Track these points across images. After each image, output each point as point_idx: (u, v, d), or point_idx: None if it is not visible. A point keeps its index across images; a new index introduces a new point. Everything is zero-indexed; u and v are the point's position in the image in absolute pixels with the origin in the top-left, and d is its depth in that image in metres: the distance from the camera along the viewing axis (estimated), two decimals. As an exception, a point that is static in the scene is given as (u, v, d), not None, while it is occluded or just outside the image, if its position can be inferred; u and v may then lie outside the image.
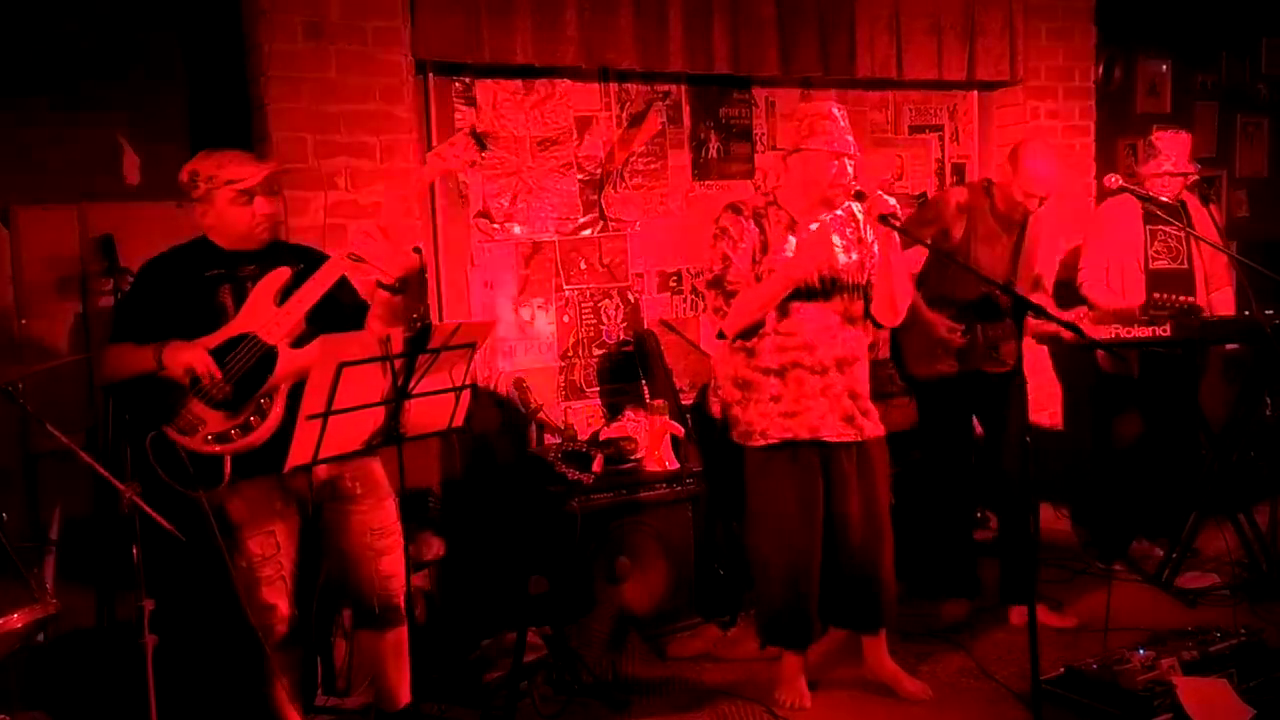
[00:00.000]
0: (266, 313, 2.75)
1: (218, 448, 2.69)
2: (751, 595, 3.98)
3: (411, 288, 2.73)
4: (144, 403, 2.71)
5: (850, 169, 3.14)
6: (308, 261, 2.87)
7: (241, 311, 2.76)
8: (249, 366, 2.71)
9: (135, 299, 2.83)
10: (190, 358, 2.65)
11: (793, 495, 3.21)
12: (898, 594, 3.40)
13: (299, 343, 2.75)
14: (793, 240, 3.17)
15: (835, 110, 3.14)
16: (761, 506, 3.29)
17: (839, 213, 3.23)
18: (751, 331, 3.19)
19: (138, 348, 2.72)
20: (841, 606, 3.34)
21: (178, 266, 2.81)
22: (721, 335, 3.25)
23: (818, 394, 3.17)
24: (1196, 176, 4.33)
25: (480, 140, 2.86)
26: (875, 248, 3.22)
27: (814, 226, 3.17)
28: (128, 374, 2.75)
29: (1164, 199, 4.18)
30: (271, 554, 2.79)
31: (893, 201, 3.04)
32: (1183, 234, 4.23)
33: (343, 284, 2.86)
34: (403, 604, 2.95)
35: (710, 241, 3.23)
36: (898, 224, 3.03)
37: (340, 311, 2.83)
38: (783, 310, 3.16)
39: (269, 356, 2.71)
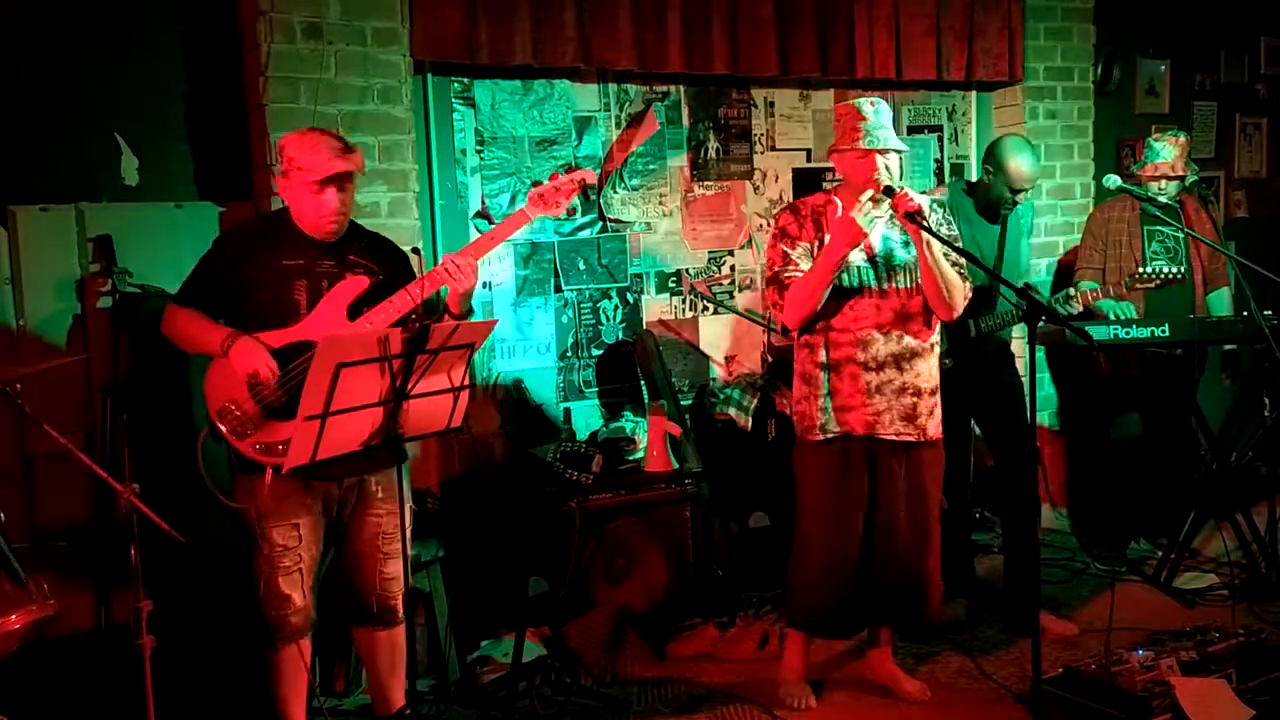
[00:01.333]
0: (336, 324, 2.75)
1: (263, 458, 2.69)
2: (750, 595, 4.00)
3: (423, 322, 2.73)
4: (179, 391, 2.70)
5: (890, 164, 3.08)
6: (385, 259, 2.90)
7: (311, 315, 2.77)
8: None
9: (211, 268, 2.83)
10: (257, 363, 2.66)
11: (838, 491, 3.18)
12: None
13: None
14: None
15: (869, 106, 3.10)
16: (809, 499, 3.26)
17: (884, 198, 3.15)
18: (811, 325, 3.18)
19: (208, 323, 2.73)
20: (884, 605, 3.30)
21: (258, 244, 2.82)
22: (785, 331, 3.28)
23: (873, 390, 3.14)
24: (1192, 178, 4.33)
25: (587, 191, 2.87)
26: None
27: (839, 212, 3.14)
28: (190, 346, 2.78)
29: (1162, 200, 4.18)
30: (293, 545, 2.80)
31: (917, 200, 2.99)
32: (1180, 234, 4.24)
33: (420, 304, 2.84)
34: (400, 608, 2.97)
35: (770, 241, 3.26)
36: (924, 222, 3.00)
37: None
38: (835, 307, 3.14)
39: None
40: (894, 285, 3.16)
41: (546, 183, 2.92)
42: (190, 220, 3.56)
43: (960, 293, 3.15)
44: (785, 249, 3.18)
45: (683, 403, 4.37)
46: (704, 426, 4.34)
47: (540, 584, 3.86)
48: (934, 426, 3.22)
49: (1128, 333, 3.98)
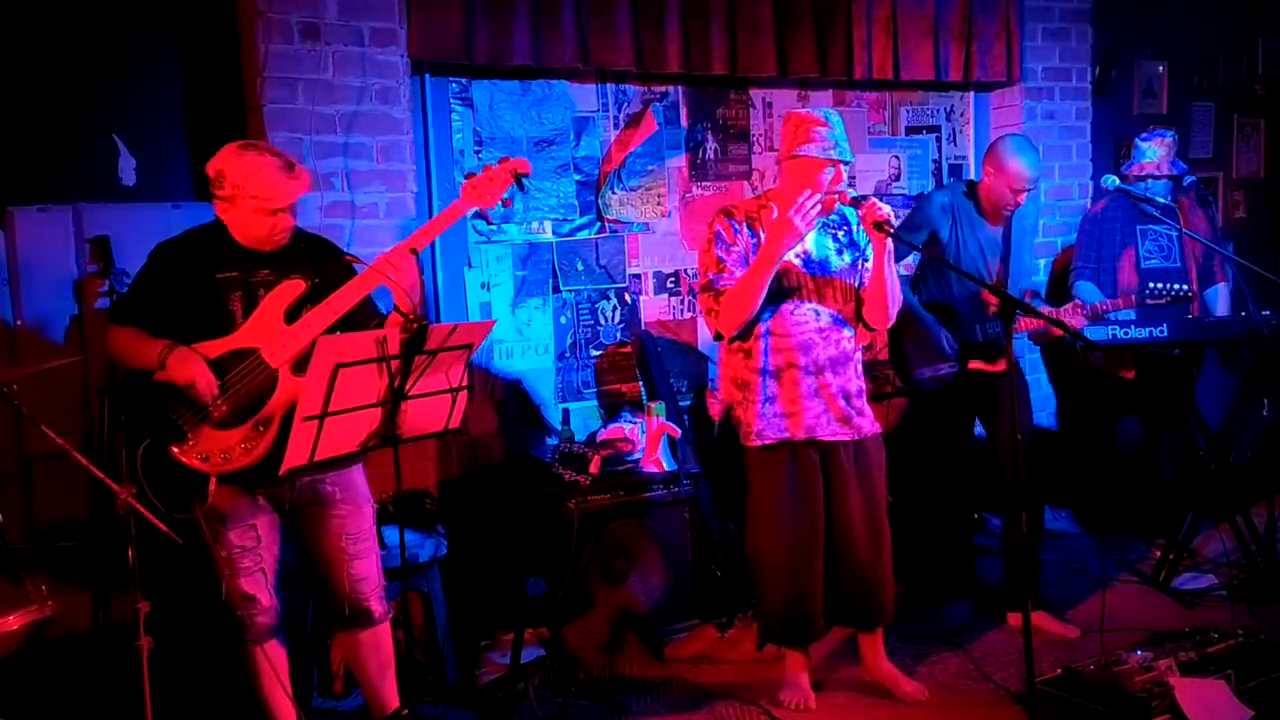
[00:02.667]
0: (274, 329, 2.70)
1: (204, 468, 2.66)
2: (749, 596, 3.99)
3: (420, 323, 2.69)
4: (146, 408, 2.70)
5: (846, 174, 3.16)
6: (325, 262, 2.85)
7: (248, 322, 2.72)
8: (250, 387, 2.68)
9: (145, 283, 2.79)
10: (194, 373, 2.63)
11: (790, 494, 3.22)
12: (897, 595, 3.40)
13: (300, 368, 2.64)
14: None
15: (831, 116, 3.15)
16: (760, 505, 3.30)
17: (833, 216, 3.25)
18: (748, 331, 3.20)
19: (147, 339, 2.70)
20: (843, 605, 3.34)
21: (191, 257, 2.76)
22: (719, 336, 3.26)
23: (812, 394, 3.20)
24: (1180, 177, 4.33)
25: (521, 181, 2.84)
26: (869, 253, 3.22)
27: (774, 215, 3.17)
28: (132, 362, 2.74)
29: (1158, 199, 4.19)
30: (251, 546, 2.79)
31: (886, 210, 3.05)
32: (1174, 232, 4.25)
33: (364, 304, 2.79)
34: (376, 608, 2.94)
35: (704, 247, 3.25)
36: (890, 230, 3.06)
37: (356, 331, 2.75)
38: (776, 313, 3.18)
39: (270, 379, 2.67)
40: (831, 291, 3.23)
41: (480, 173, 2.85)
42: (188, 221, 3.51)
43: (896, 305, 3.26)
44: (720, 254, 3.19)
45: (681, 403, 4.36)
46: (702, 427, 4.34)
47: (539, 585, 3.85)
48: (868, 423, 3.29)
49: (1126, 333, 3.98)
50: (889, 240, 3.10)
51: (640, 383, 4.34)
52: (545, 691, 3.44)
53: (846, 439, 3.25)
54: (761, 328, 3.20)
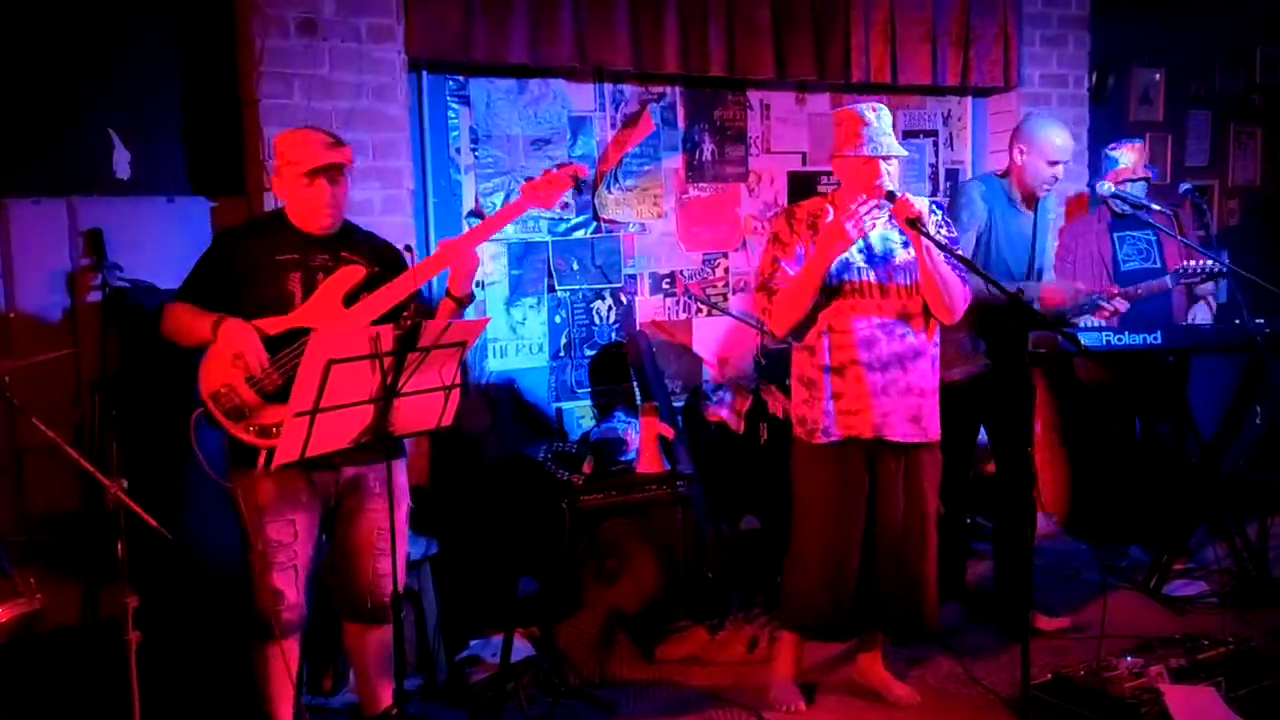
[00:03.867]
0: (332, 312, 2.77)
1: (259, 441, 2.70)
2: (740, 598, 3.99)
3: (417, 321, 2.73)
4: (177, 382, 2.71)
5: (890, 169, 3.07)
6: (379, 256, 2.91)
7: (307, 303, 2.78)
8: None
9: (207, 265, 2.85)
10: (242, 343, 2.67)
11: (838, 494, 3.17)
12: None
13: None
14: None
15: (869, 112, 3.09)
16: (807, 502, 3.24)
17: (886, 203, 3.09)
18: (802, 331, 3.16)
19: (200, 312, 2.74)
20: (880, 612, 3.28)
21: (253, 240, 2.85)
22: (772, 338, 3.32)
23: (879, 391, 3.12)
24: (1153, 180, 4.37)
25: (580, 185, 2.91)
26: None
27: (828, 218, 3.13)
28: (184, 338, 2.78)
29: (1155, 206, 4.20)
30: (288, 542, 2.79)
31: (919, 206, 2.98)
32: (1154, 236, 4.29)
33: (413, 294, 2.85)
34: (389, 605, 2.94)
35: (764, 248, 3.24)
36: (924, 227, 2.98)
37: None
38: (839, 307, 3.12)
39: None
40: (895, 284, 3.15)
41: (539, 176, 2.93)
42: (182, 215, 3.55)
43: (960, 296, 3.14)
44: (776, 255, 3.16)
45: (675, 404, 4.36)
46: (696, 428, 4.34)
47: (530, 584, 3.85)
48: (935, 428, 3.21)
49: (1120, 339, 3.98)
50: (924, 238, 3.00)
51: (634, 383, 4.34)
52: (535, 691, 3.44)
53: (916, 440, 3.16)
54: (823, 324, 3.15)
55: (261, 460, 2.69)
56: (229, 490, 2.73)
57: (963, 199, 3.73)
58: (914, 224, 2.96)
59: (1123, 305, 3.93)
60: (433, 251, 2.90)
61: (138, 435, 3.27)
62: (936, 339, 3.23)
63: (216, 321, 2.70)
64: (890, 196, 3.01)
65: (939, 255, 3.05)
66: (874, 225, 3.07)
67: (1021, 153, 3.67)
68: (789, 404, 3.42)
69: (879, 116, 3.09)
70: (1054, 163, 3.64)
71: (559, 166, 2.93)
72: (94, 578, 3.24)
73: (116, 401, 3.24)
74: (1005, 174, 3.79)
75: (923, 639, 3.39)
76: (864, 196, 3.00)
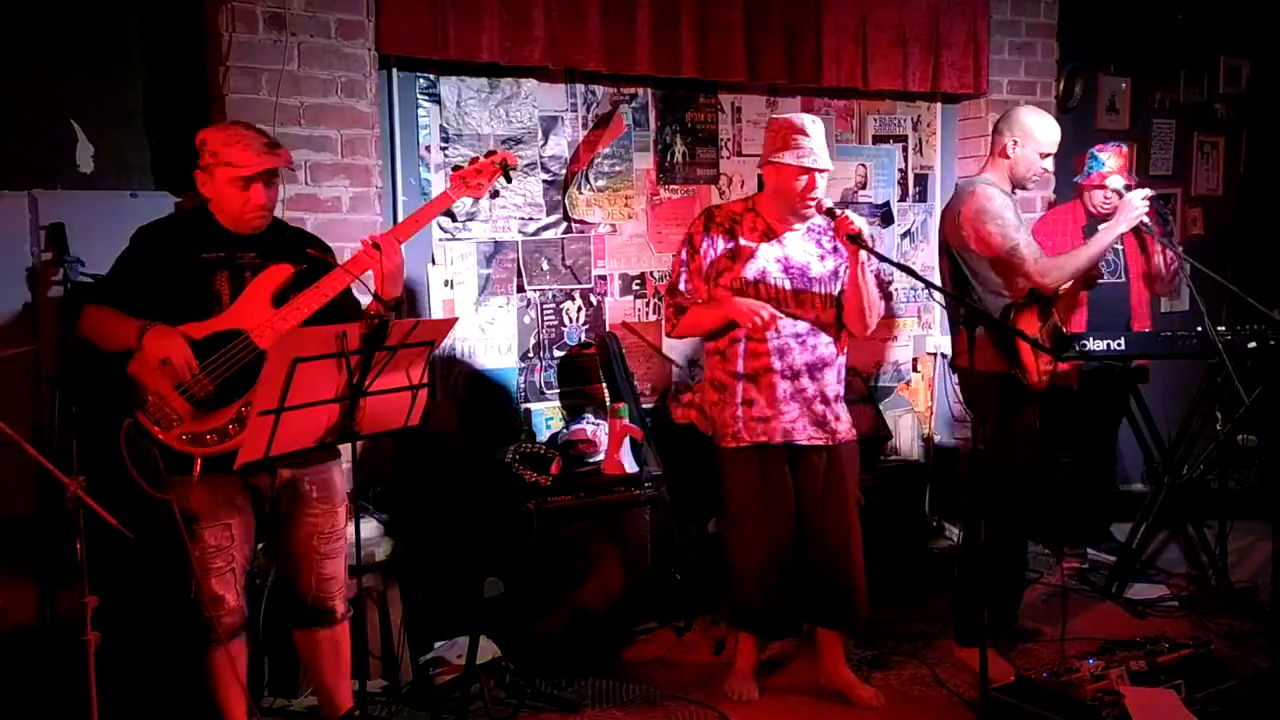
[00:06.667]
0: (261, 312, 2.70)
1: (191, 449, 2.63)
2: (707, 599, 3.99)
3: (386, 317, 2.69)
4: (113, 387, 2.66)
5: (822, 182, 3.15)
6: (309, 253, 2.84)
7: (235, 304, 2.71)
8: (236, 369, 2.65)
9: (127, 265, 2.76)
10: (169, 348, 2.59)
11: (763, 494, 3.28)
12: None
13: None
14: (765, 248, 3.25)
15: (808, 123, 3.16)
16: (734, 504, 3.37)
17: (817, 221, 3.26)
18: (722, 332, 3.29)
19: (124, 318, 2.66)
20: (817, 605, 3.39)
21: (176, 238, 2.76)
22: (669, 335, 3.45)
23: (789, 398, 3.24)
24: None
25: (508, 173, 2.87)
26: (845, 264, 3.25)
27: (789, 233, 3.27)
28: (107, 342, 2.70)
29: (1107, 210, 4.24)
30: (225, 546, 2.76)
31: (859, 224, 3.06)
32: (1120, 247, 4.33)
33: (345, 292, 2.80)
34: (339, 607, 2.94)
35: (678, 248, 3.35)
36: (866, 244, 3.06)
37: (339, 320, 2.73)
38: None
39: (257, 361, 2.63)
40: (810, 295, 3.26)
41: (467, 165, 2.88)
42: (146, 210, 3.45)
43: (879, 312, 3.30)
44: (685, 259, 3.32)
45: (644, 406, 4.36)
46: (665, 430, 4.33)
47: (496, 585, 3.82)
48: (844, 429, 3.33)
49: (1083, 346, 4.02)
50: (862, 253, 3.11)
51: (604, 384, 4.33)
52: (500, 693, 3.42)
53: (822, 444, 3.29)
54: (740, 332, 3.24)
55: (197, 468, 2.63)
56: (165, 502, 2.63)
57: (997, 202, 3.50)
58: (856, 240, 3.04)
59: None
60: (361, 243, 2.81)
61: (98, 433, 3.23)
62: (845, 349, 3.37)
63: (141, 329, 2.61)
64: (830, 213, 3.11)
65: (870, 274, 3.18)
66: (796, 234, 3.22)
67: (1016, 144, 3.56)
68: None
69: (817, 129, 3.17)
70: (1046, 155, 3.59)
71: (488, 154, 2.87)
72: (52, 577, 3.19)
73: (76, 398, 3.19)
74: (995, 168, 3.63)
75: (856, 627, 3.46)
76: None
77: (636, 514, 3.90)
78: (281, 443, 2.50)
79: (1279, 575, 3.55)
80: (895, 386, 5.09)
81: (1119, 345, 4.02)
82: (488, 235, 4.22)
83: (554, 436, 4.15)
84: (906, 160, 5.10)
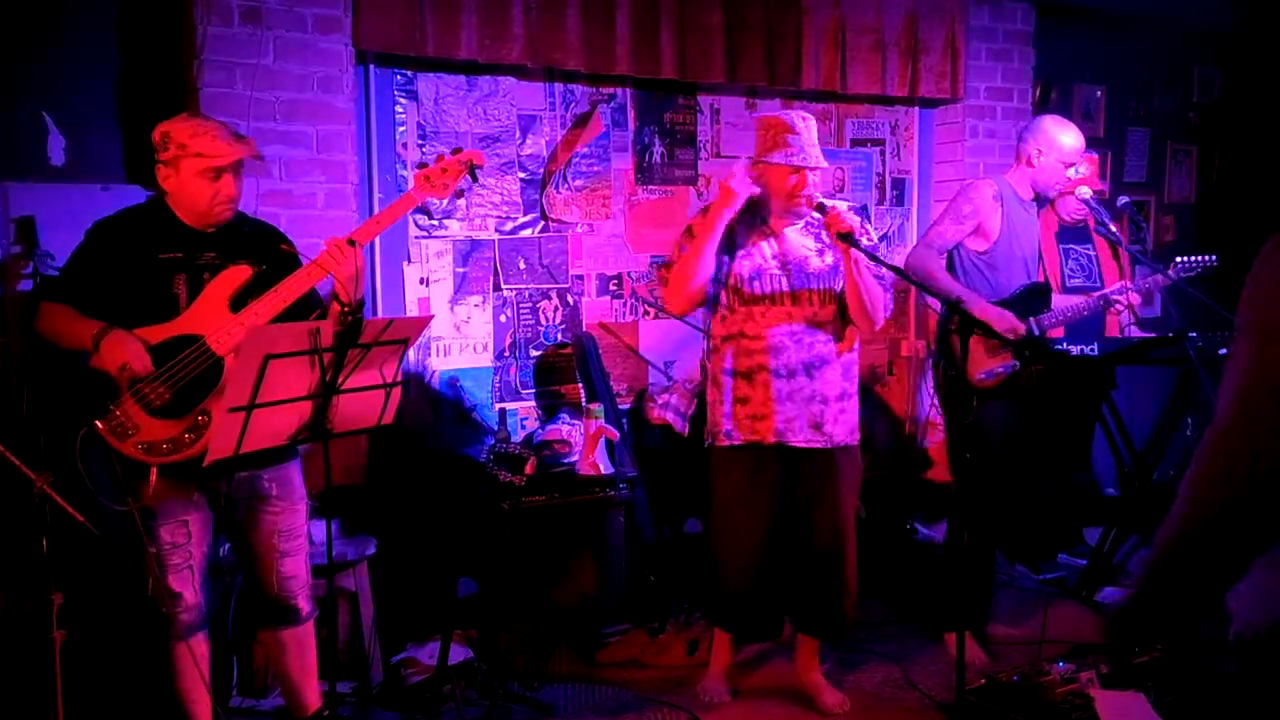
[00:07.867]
0: (219, 316, 2.64)
1: (147, 458, 2.59)
2: (681, 601, 3.99)
3: (356, 316, 2.65)
4: (73, 393, 2.61)
5: (814, 179, 3.12)
6: (270, 247, 2.80)
7: (192, 308, 2.66)
8: (193, 376, 2.60)
9: (83, 261, 2.69)
10: (128, 355, 2.54)
11: (748, 495, 3.23)
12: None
13: None
14: (762, 244, 3.21)
15: (798, 120, 3.12)
16: (719, 503, 3.32)
17: (816, 215, 3.21)
18: (697, 301, 3.21)
19: (80, 318, 2.61)
20: (800, 610, 3.36)
21: (132, 235, 2.68)
22: (664, 311, 3.32)
23: (784, 398, 3.17)
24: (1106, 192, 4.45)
25: (474, 172, 2.82)
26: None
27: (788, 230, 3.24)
28: (65, 342, 2.65)
29: (1078, 217, 4.28)
30: (182, 543, 2.73)
31: (851, 220, 3.01)
32: (1093, 252, 4.36)
33: (310, 293, 2.75)
34: (303, 606, 2.91)
35: (679, 238, 3.29)
36: (856, 241, 3.01)
37: (303, 317, 2.70)
38: (748, 314, 3.18)
39: (215, 368, 2.60)
40: (807, 292, 3.20)
41: (433, 164, 2.83)
42: (117, 203, 3.40)
43: (882, 306, 3.19)
44: (685, 244, 3.23)
45: (620, 407, 4.35)
46: (641, 431, 4.33)
47: (470, 585, 3.81)
48: (843, 433, 3.25)
49: (1057, 347, 4.05)
50: (854, 250, 3.05)
51: (580, 384, 4.32)
52: (472, 694, 3.40)
53: (818, 446, 3.21)
54: (734, 328, 3.20)
55: (154, 475, 2.59)
56: (122, 513, 2.59)
57: (971, 193, 3.61)
58: (846, 238, 3.00)
59: (1136, 299, 3.81)
60: (324, 244, 2.75)
61: (66, 428, 3.19)
62: (856, 347, 3.29)
63: (98, 334, 2.56)
64: (821, 209, 3.07)
65: (867, 267, 3.10)
66: (751, 189, 3.14)
67: (1040, 154, 3.59)
68: None
69: (808, 126, 3.13)
70: (1070, 165, 3.60)
71: (455, 152, 2.82)
72: (17, 574, 3.15)
73: (45, 394, 3.15)
74: (1016, 175, 3.69)
75: (838, 637, 3.46)
76: (745, 159, 3.09)
77: (611, 515, 3.89)
78: (252, 440, 2.47)
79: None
80: (873, 388, 5.11)
81: (1092, 349, 4.05)
82: (464, 234, 4.21)
83: (529, 436, 4.14)
84: (884, 164, 5.12)
